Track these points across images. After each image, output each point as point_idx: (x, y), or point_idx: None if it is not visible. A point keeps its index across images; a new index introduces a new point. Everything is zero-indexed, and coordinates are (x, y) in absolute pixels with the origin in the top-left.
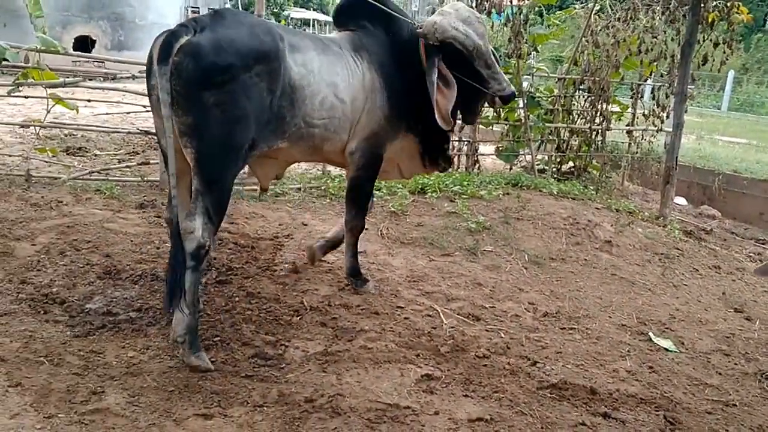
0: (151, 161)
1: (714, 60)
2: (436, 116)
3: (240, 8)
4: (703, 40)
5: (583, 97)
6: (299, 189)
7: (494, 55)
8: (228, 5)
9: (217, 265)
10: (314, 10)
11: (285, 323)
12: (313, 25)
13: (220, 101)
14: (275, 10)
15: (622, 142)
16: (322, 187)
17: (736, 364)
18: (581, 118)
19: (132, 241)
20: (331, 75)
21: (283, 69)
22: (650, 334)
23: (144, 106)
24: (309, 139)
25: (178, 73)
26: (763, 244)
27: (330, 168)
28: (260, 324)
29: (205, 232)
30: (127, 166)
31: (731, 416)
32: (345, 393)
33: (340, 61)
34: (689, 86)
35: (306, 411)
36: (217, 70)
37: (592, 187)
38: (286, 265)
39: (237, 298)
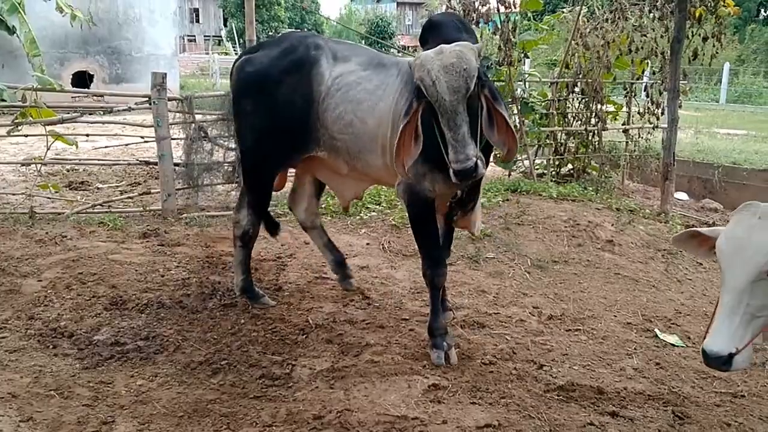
0: (153, 191)
1: (704, 54)
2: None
3: (235, 35)
4: (692, 35)
5: (577, 99)
6: None
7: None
8: (223, 32)
9: (221, 290)
10: (308, 30)
11: (291, 342)
12: None
13: (252, 109)
14: (270, 33)
15: (620, 142)
16: (322, 205)
17: None
18: (577, 121)
19: (137, 270)
20: (358, 92)
21: (313, 76)
22: (656, 330)
23: (142, 137)
24: (337, 152)
25: (231, 86)
26: None
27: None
28: (267, 345)
29: (249, 222)
30: (129, 197)
31: (740, 407)
32: (353, 408)
33: (382, 81)
34: (681, 81)
35: (315, 428)
36: (249, 82)
37: (591, 188)
38: (290, 285)
39: (242, 321)
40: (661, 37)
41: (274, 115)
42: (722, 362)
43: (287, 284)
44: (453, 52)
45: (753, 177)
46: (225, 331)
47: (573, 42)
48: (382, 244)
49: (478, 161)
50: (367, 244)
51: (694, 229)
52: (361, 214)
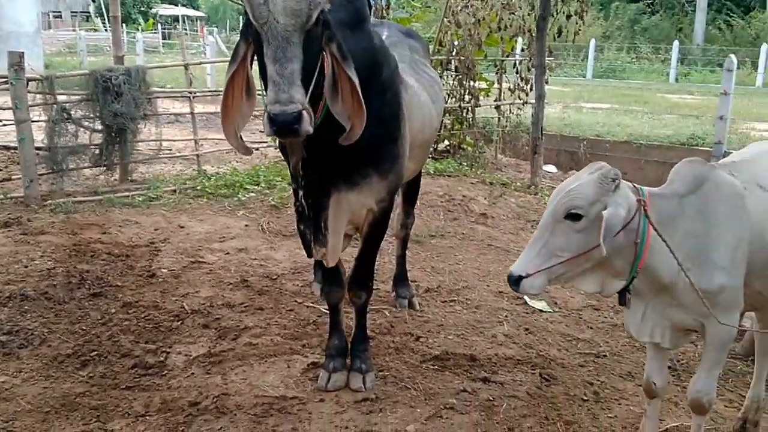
0: (14, 177)
1: (568, 31)
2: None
3: (104, 10)
4: (557, 13)
5: (451, 76)
6: (174, 191)
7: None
8: (91, 7)
9: (90, 278)
10: (183, 5)
11: (165, 330)
12: (183, 21)
13: None
14: (142, 9)
15: (492, 118)
16: (198, 187)
17: (606, 317)
18: (451, 98)
19: None
20: None
21: None
22: (525, 297)
23: (0, 120)
24: None
25: None
26: None
27: (206, 167)
28: (139, 333)
29: None
30: None
31: (602, 367)
32: (231, 391)
33: None
34: (548, 58)
35: (191, 415)
36: None
37: (466, 164)
38: (165, 271)
39: (113, 310)
40: (529, 14)
41: None
42: (513, 281)
43: (161, 270)
44: None
45: (615, 148)
46: (94, 322)
47: (445, 20)
48: (261, 225)
49: (305, 113)
50: (246, 225)
51: None
52: (239, 195)
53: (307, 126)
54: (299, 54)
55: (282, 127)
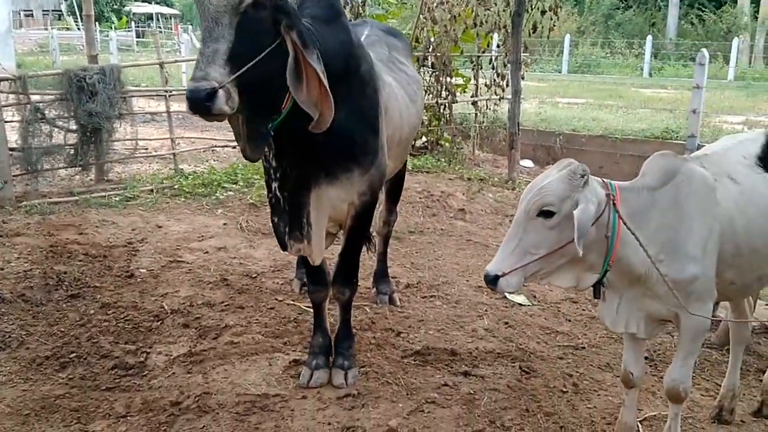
0: None
1: (543, 27)
2: None
3: (76, 9)
4: (532, 9)
5: (428, 72)
6: (151, 190)
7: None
8: (63, 6)
9: (67, 280)
10: (156, 3)
11: (145, 330)
12: (157, 19)
13: None
14: (116, 7)
15: (469, 113)
16: (175, 186)
17: (583, 310)
18: (428, 94)
19: None
20: None
21: None
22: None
23: None
24: None
25: None
26: None
27: (182, 166)
28: (119, 334)
29: None
30: None
31: (581, 358)
32: (212, 390)
33: None
34: (523, 54)
35: (172, 414)
36: None
37: (444, 160)
38: (143, 271)
39: (92, 311)
40: (504, 10)
41: None
42: (489, 281)
43: (139, 270)
44: None
45: (590, 143)
46: (73, 323)
47: (421, 16)
48: (240, 224)
49: (221, 92)
50: (224, 224)
51: None
52: (217, 194)
53: (222, 105)
54: (227, 35)
55: (194, 103)
